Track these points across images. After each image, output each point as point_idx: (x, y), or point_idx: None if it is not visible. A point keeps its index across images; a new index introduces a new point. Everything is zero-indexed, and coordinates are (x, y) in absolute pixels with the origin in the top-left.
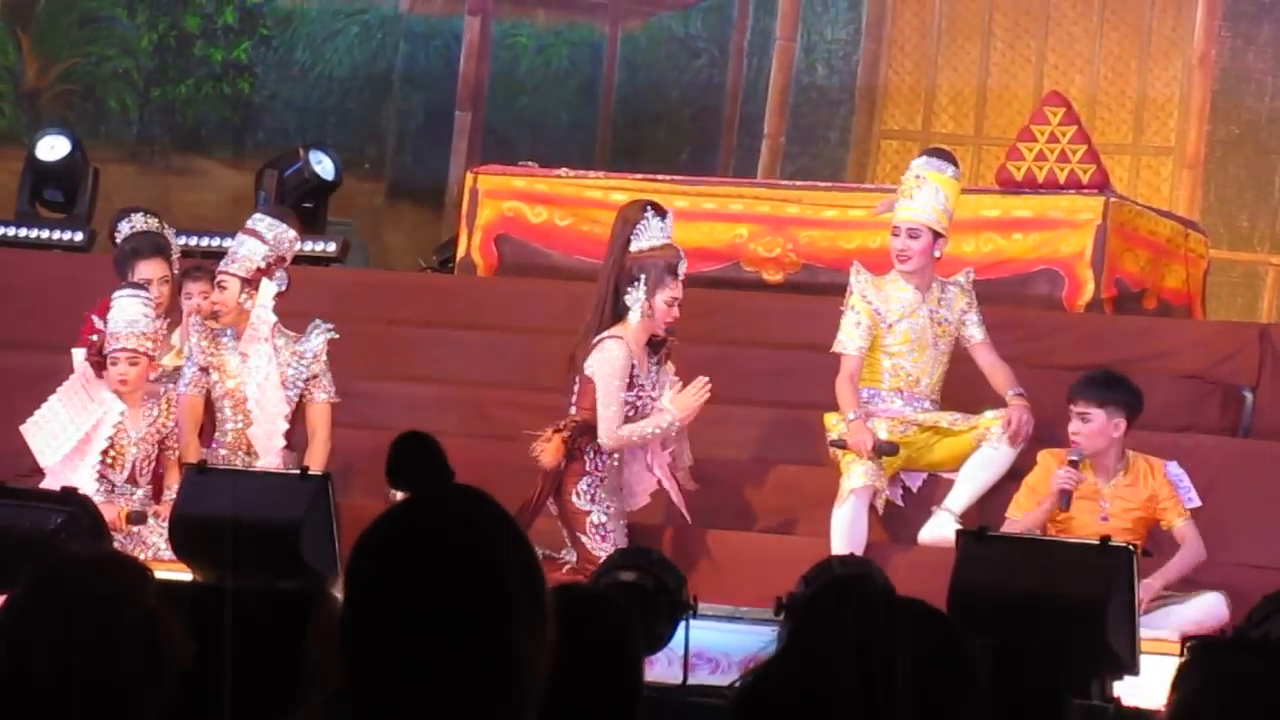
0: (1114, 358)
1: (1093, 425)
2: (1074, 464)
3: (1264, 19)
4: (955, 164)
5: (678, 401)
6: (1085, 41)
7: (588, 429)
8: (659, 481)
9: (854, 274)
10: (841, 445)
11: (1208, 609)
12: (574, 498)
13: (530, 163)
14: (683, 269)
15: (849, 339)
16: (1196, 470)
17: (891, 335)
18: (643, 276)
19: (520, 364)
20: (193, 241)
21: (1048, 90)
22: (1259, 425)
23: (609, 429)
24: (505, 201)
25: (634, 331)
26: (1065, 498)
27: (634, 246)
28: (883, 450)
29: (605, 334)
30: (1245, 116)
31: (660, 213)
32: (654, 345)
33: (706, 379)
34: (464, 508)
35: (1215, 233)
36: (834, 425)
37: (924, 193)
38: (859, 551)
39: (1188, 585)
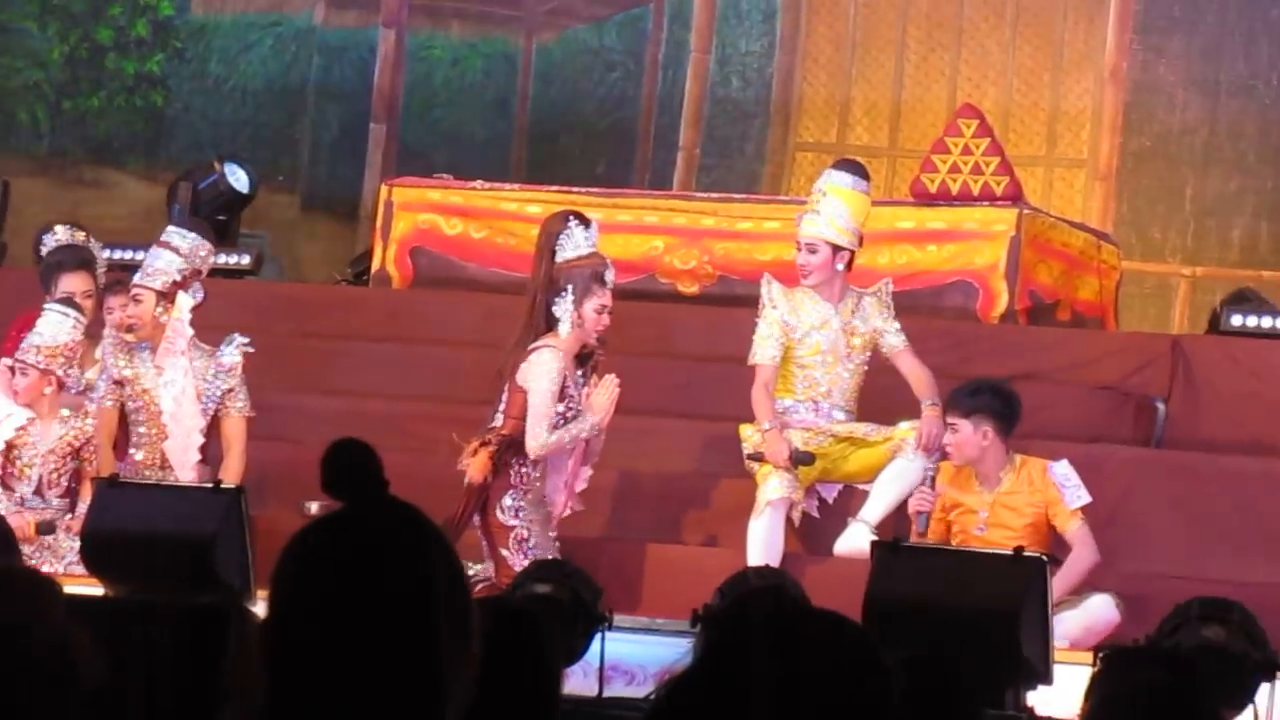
0: (1028, 369)
1: (960, 436)
2: (931, 481)
3: (1174, 31)
4: (865, 176)
5: (591, 402)
6: (998, 54)
7: (513, 442)
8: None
9: (765, 285)
10: (758, 457)
11: (1097, 613)
12: (498, 512)
13: (445, 175)
14: (610, 277)
15: (761, 349)
16: (1110, 480)
17: (803, 346)
18: (570, 287)
19: (436, 377)
20: (105, 255)
21: (961, 103)
22: (1171, 436)
23: (537, 437)
24: (420, 214)
25: (566, 342)
26: (921, 519)
27: (559, 257)
28: (799, 460)
29: (539, 344)
30: (1156, 129)
31: (584, 222)
32: (582, 357)
33: (614, 376)
34: (398, 521)
35: (1127, 244)
36: (749, 437)
37: (825, 207)
38: (775, 563)
39: (1078, 588)
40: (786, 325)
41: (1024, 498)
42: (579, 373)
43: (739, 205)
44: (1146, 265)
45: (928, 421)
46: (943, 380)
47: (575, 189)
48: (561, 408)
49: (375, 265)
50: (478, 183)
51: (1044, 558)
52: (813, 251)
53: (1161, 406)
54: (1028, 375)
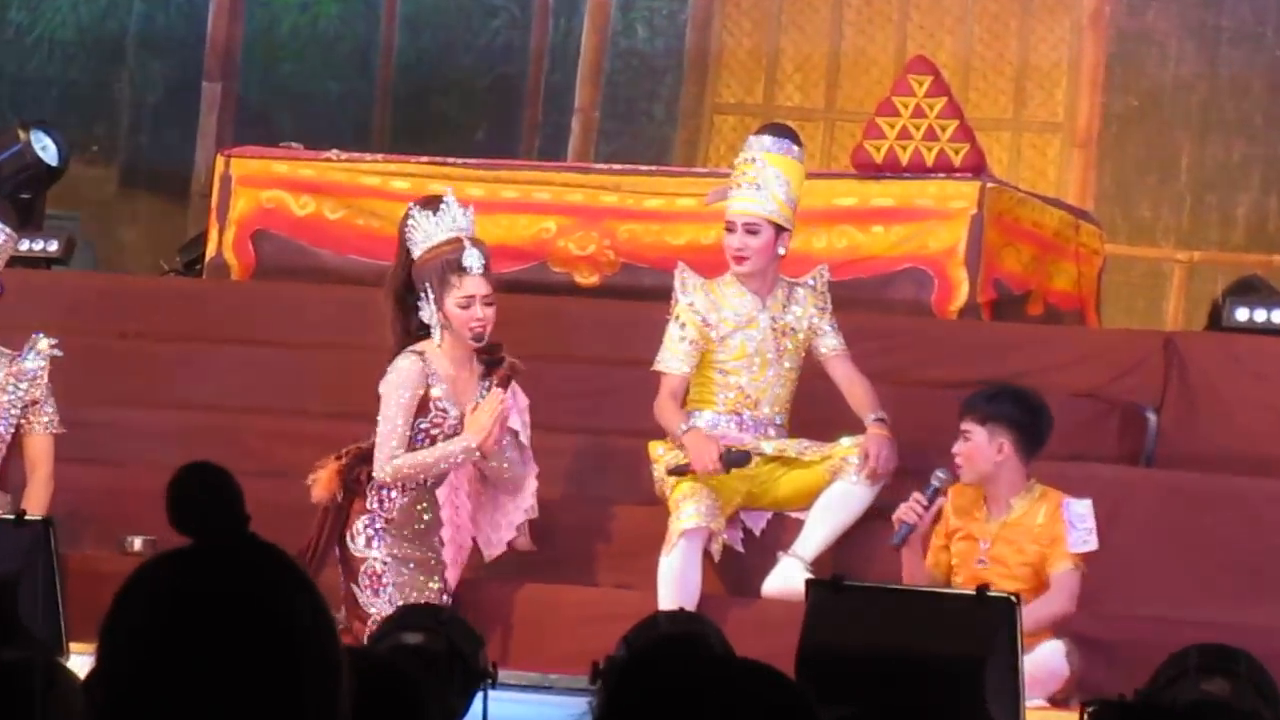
0: (992, 372)
1: (971, 445)
2: (933, 492)
3: None
4: (799, 143)
5: (469, 422)
6: None
7: (371, 457)
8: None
9: (678, 276)
10: (681, 471)
11: (1043, 663)
12: (350, 540)
13: (294, 144)
14: (473, 261)
15: (671, 355)
16: (1094, 505)
17: (725, 349)
18: (426, 285)
19: (284, 386)
20: None
21: (912, 55)
22: (1163, 453)
23: (384, 457)
24: (264, 190)
25: (443, 348)
26: (900, 531)
27: (414, 254)
28: (732, 462)
29: (408, 349)
30: (1145, 86)
31: (429, 205)
32: (487, 364)
33: (502, 391)
34: (257, 563)
35: (1111, 224)
36: (660, 456)
37: (765, 180)
38: (691, 606)
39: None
40: (705, 325)
41: (1029, 533)
42: (483, 384)
43: (646, 179)
44: (1134, 249)
45: (875, 441)
46: (887, 387)
47: (450, 160)
48: (424, 422)
49: (210, 252)
50: (333, 153)
51: (1012, 598)
52: (753, 232)
53: (1152, 417)
54: (995, 380)
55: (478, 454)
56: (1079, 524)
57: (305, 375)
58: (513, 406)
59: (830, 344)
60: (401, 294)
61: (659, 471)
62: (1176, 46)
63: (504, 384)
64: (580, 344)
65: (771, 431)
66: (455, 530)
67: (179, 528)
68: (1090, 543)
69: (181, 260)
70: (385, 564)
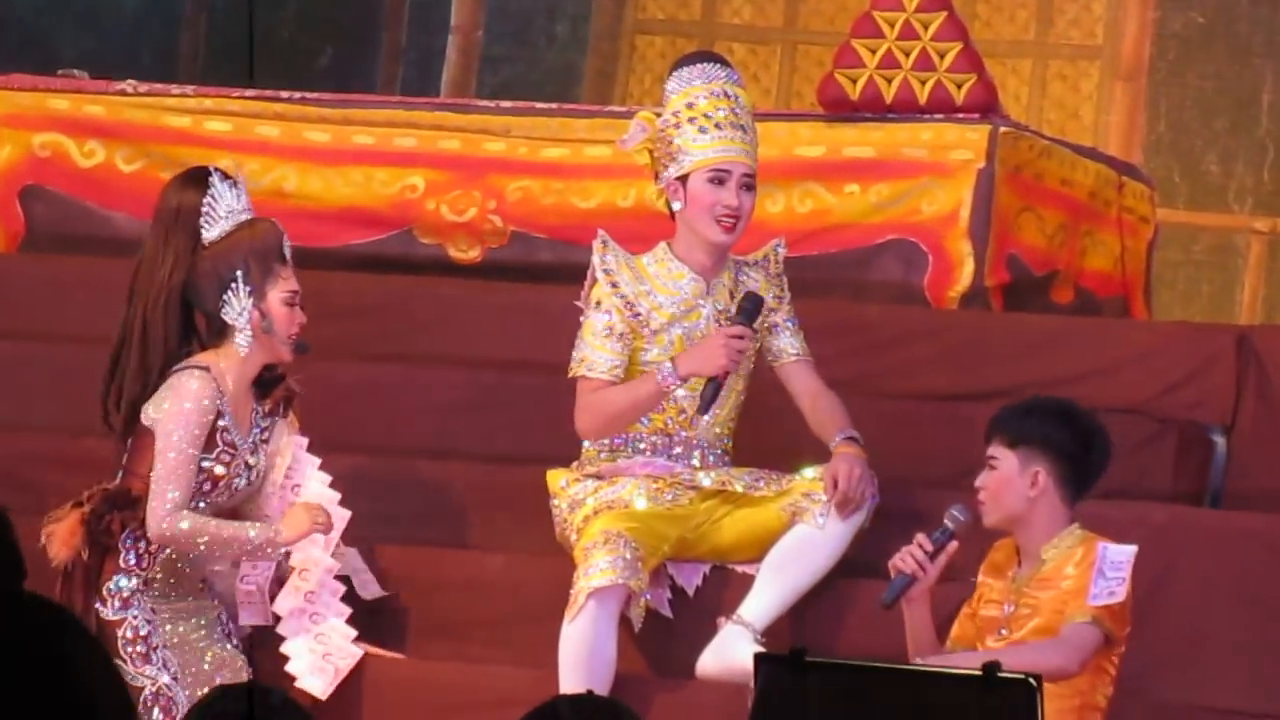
0: (1007, 380)
1: (998, 475)
2: (944, 535)
3: None
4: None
5: (288, 517)
6: None
7: (125, 500)
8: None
9: (598, 250)
10: (714, 395)
11: None
12: (101, 605)
13: (76, 71)
14: (289, 248)
15: (597, 352)
16: (1141, 559)
17: (655, 347)
18: (238, 275)
19: (64, 394)
20: None
21: None
22: (1235, 487)
23: (161, 509)
24: (38, 134)
25: (239, 361)
26: (894, 586)
27: (208, 235)
28: (749, 310)
29: (186, 363)
30: None
31: (229, 177)
32: (261, 385)
33: (323, 510)
34: (38, 625)
35: (1167, 182)
36: (563, 490)
37: (747, 122)
38: (603, 689)
39: None
40: (633, 314)
41: (1055, 589)
42: (258, 409)
43: (545, 120)
44: (1198, 216)
45: (845, 460)
46: (863, 399)
47: (284, 95)
48: (209, 460)
49: None
50: (128, 84)
51: (1032, 680)
52: (749, 189)
53: (1220, 440)
54: (1008, 391)
55: (283, 552)
56: (1110, 572)
57: (90, 380)
58: (302, 470)
59: (787, 346)
60: (190, 288)
61: (561, 510)
62: None
63: (282, 409)
64: (457, 340)
65: (712, 459)
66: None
67: None
68: (1118, 595)
69: None
70: (150, 621)
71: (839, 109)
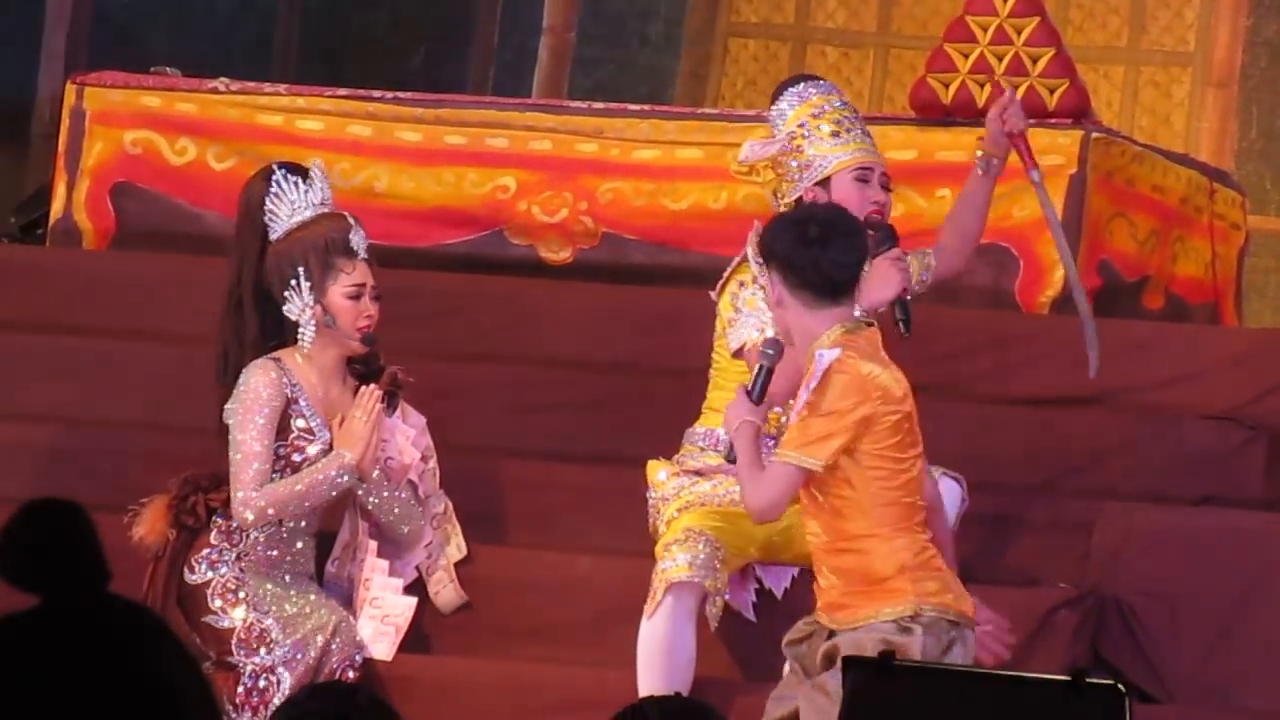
0: (1096, 384)
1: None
2: (761, 374)
3: None
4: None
5: (340, 434)
6: None
7: (210, 483)
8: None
9: (754, 242)
10: (906, 313)
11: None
12: (188, 573)
13: (169, 69)
14: (361, 244)
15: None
16: (1225, 565)
17: None
18: (299, 270)
19: (154, 391)
20: None
21: None
22: None
23: (244, 494)
24: (129, 131)
25: (310, 355)
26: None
27: (274, 233)
28: (887, 236)
29: (262, 358)
30: None
31: (299, 172)
32: (363, 378)
33: (374, 387)
34: (121, 625)
35: (1259, 189)
36: (662, 481)
37: (864, 126)
38: (683, 685)
39: None
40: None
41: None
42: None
43: (638, 123)
44: None
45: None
46: (955, 404)
47: (376, 95)
48: (283, 445)
49: (56, 211)
50: (220, 81)
51: (1121, 687)
52: (887, 188)
53: None
54: (1094, 397)
55: (357, 475)
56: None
57: (182, 377)
58: (393, 434)
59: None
60: (262, 283)
61: (655, 502)
62: None
63: (388, 402)
64: (546, 340)
65: None
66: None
67: (20, 584)
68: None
69: (17, 223)
70: (239, 578)
71: (931, 113)
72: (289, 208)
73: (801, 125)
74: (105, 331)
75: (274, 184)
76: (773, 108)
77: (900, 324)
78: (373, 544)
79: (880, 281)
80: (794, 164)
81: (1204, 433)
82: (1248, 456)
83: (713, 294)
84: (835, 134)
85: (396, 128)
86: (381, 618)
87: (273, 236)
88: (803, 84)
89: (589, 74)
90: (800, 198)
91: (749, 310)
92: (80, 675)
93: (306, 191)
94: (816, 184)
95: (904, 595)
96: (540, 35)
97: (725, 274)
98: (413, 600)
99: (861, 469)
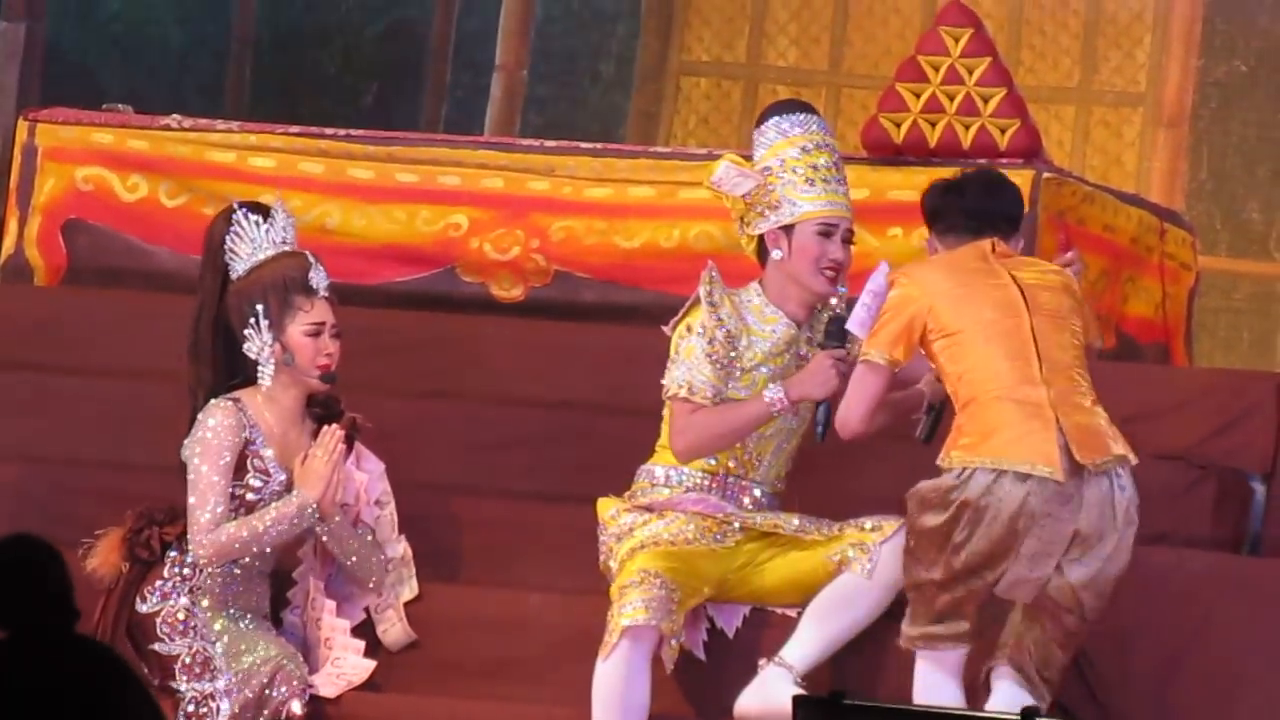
0: None
1: None
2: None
3: None
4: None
5: (301, 473)
6: None
7: (165, 516)
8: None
9: (706, 281)
10: (828, 421)
11: None
12: (139, 602)
13: (121, 106)
14: (321, 282)
15: (699, 376)
16: (1176, 603)
17: (742, 385)
18: (258, 308)
19: (106, 426)
20: None
21: (946, 1)
22: (1274, 534)
23: (195, 536)
24: (81, 167)
25: (269, 394)
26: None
27: (235, 271)
28: (833, 332)
29: (220, 397)
30: (1259, 43)
31: (259, 211)
32: (322, 420)
33: (337, 428)
34: (87, 659)
35: (1209, 229)
36: (613, 518)
37: (843, 173)
38: None
39: None
40: (731, 347)
41: None
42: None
43: (590, 161)
44: (1239, 263)
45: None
46: (902, 445)
47: (328, 132)
48: (238, 486)
49: (7, 248)
50: (173, 119)
51: None
52: (850, 243)
53: (1260, 488)
54: None
55: (317, 515)
56: (866, 299)
57: (132, 414)
58: (349, 478)
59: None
60: (223, 322)
61: (607, 539)
62: None
63: (346, 444)
64: (498, 378)
65: (765, 501)
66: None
67: None
68: (866, 322)
69: None
70: (190, 609)
71: (882, 152)
72: (249, 246)
73: (780, 162)
74: (56, 368)
75: (234, 223)
76: (756, 130)
77: (818, 428)
78: (324, 592)
79: (815, 377)
80: (764, 199)
81: (1154, 472)
82: (1197, 496)
83: (666, 329)
84: (809, 181)
85: (348, 165)
86: (338, 675)
87: (233, 275)
88: (789, 115)
89: (541, 112)
90: (771, 239)
91: (684, 359)
92: (44, 710)
93: (267, 230)
94: (780, 228)
95: None
96: (492, 73)
97: (680, 312)
98: (371, 664)
99: None
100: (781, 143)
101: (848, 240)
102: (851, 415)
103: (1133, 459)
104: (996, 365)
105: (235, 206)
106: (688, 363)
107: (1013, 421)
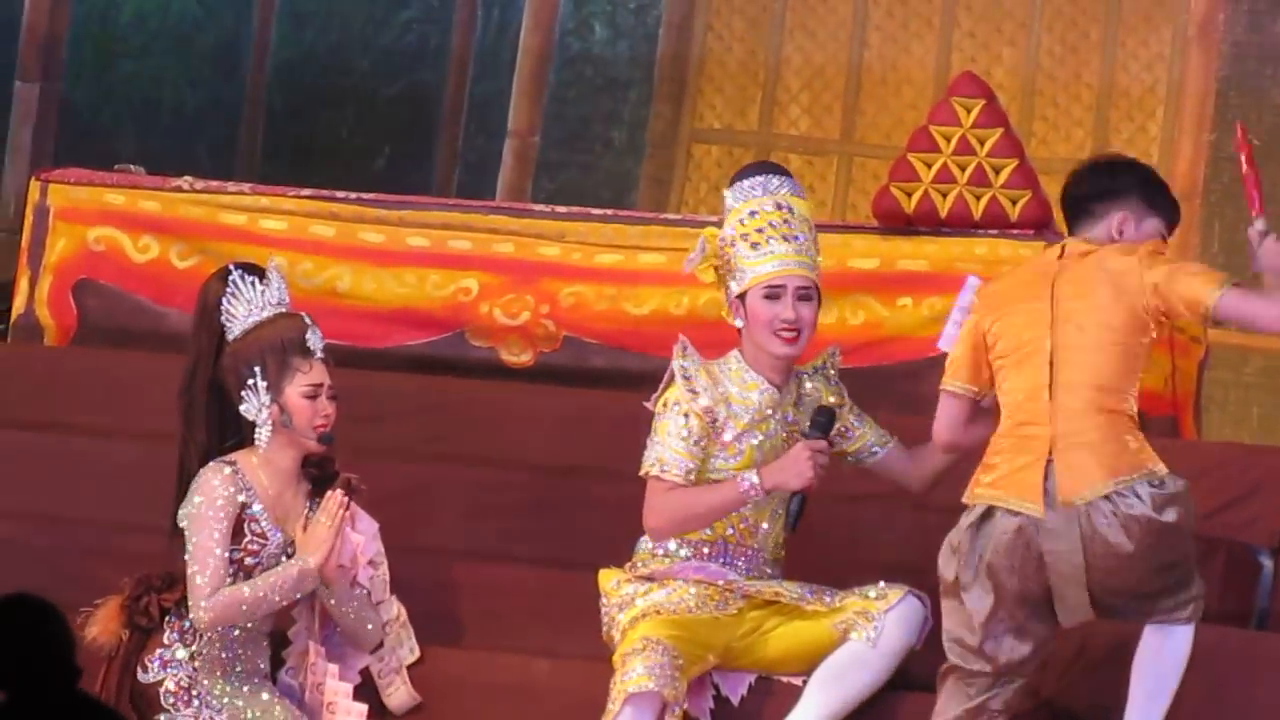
0: None
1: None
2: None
3: None
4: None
5: (303, 539)
6: None
7: (164, 583)
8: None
9: (679, 354)
10: (800, 511)
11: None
12: (141, 672)
13: (133, 167)
14: (318, 344)
15: (673, 454)
16: (1187, 679)
17: (726, 456)
18: (256, 370)
19: (115, 489)
20: None
21: (959, 70)
22: None
23: (194, 602)
24: (93, 228)
25: (266, 456)
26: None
27: (231, 332)
28: (822, 426)
29: (216, 460)
30: (1271, 118)
31: (255, 272)
32: (317, 481)
33: (340, 493)
34: (83, 716)
35: None
36: (614, 589)
37: (803, 232)
38: None
39: None
40: (711, 421)
41: None
42: (310, 505)
43: (600, 226)
44: (1249, 337)
45: None
46: (909, 512)
47: (340, 195)
48: (237, 551)
49: (18, 308)
50: (185, 180)
51: None
52: (806, 299)
53: (1268, 562)
54: None
55: (318, 580)
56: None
57: (142, 475)
58: (351, 539)
59: (870, 443)
60: (218, 383)
61: (610, 609)
62: None
63: (347, 505)
64: (507, 443)
65: (766, 569)
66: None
67: None
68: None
69: None
70: (192, 677)
71: (893, 222)
72: (246, 307)
73: (732, 230)
74: (66, 428)
75: (231, 284)
76: (724, 198)
77: (790, 518)
78: (322, 652)
79: (791, 468)
80: (726, 269)
81: None
82: (1205, 570)
83: (649, 404)
84: (754, 245)
85: (359, 228)
86: None
87: (230, 336)
88: (744, 179)
89: (553, 177)
90: (733, 309)
91: (659, 436)
92: None
93: (264, 291)
94: (737, 297)
95: None
96: (505, 138)
97: (660, 387)
98: (364, 708)
99: None
100: (736, 209)
101: (806, 297)
102: (935, 436)
103: (1137, 480)
104: (1015, 395)
105: (231, 267)
106: (662, 441)
107: (1010, 456)
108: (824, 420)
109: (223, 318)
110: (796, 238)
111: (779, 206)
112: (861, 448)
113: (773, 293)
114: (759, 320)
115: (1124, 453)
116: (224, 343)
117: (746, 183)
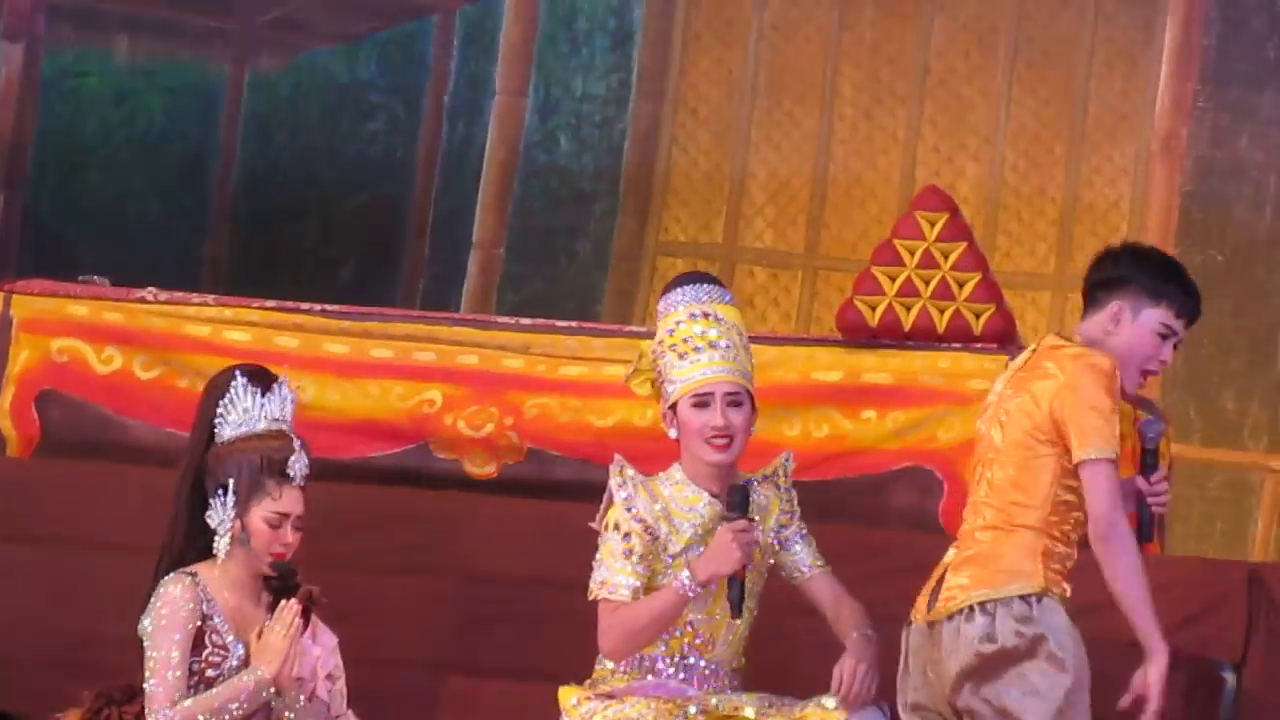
0: None
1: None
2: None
3: (1268, 83)
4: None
5: (258, 648)
6: (984, 111)
7: (123, 695)
8: None
9: (615, 474)
10: (740, 594)
11: None
12: None
13: (97, 278)
14: (299, 471)
15: (617, 575)
16: None
17: (677, 570)
18: (229, 481)
19: (76, 599)
20: None
21: (923, 184)
22: None
23: (160, 711)
24: (55, 339)
25: (225, 568)
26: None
27: (220, 436)
28: (737, 504)
29: (178, 570)
30: (1235, 234)
31: (261, 382)
32: (279, 593)
33: (295, 602)
34: None
35: (1182, 418)
36: (574, 707)
37: (731, 339)
38: None
39: None
40: (651, 538)
41: None
42: (271, 615)
43: (565, 339)
44: (1212, 452)
45: (852, 655)
46: (877, 624)
47: (305, 307)
48: (197, 661)
49: None
50: (149, 291)
51: None
52: (736, 404)
53: (1230, 677)
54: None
55: (274, 691)
56: None
57: (105, 586)
58: (311, 652)
59: (803, 561)
60: (199, 484)
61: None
62: (1276, 184)
63: (303, 617)
64: (471, 555)
65: (726, 681)
66: None
67: None
68: None
69: None
70: None
71: (857, 335)
72: (239, 415)
73: (660, 342)
74: (28, 539)
75: (231, 388)
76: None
77: (732, 605)
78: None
79: (718, 554)
80: (661, 380)
81: (1125, 660)
82: (1168, 684)
83: (594, 525)
84: (680, 355)
85: (324, 340)
86: None
87: (218, 439)
88: (671, 291)
89: (517, 289)
90: (666, 421)
91: (603, 559)
92: None
93: (262, 405)
94: (669, 408)
95: None
96: (470, 250)
97: (601, 509)
98: None
99: None
100: (664, 320)
101: (736, 403)
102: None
103: (974, 604)
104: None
105: (237, 372)
106: (606, 563)
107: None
108: (738, 499)
109: (215, 420)
110: (723, 344)
111: (706, 315)
112: (792, 563)
113: (701, 400)
114: (690, 429)
115: (985, 573)
116: (213, 444)
117: (674, 293)
